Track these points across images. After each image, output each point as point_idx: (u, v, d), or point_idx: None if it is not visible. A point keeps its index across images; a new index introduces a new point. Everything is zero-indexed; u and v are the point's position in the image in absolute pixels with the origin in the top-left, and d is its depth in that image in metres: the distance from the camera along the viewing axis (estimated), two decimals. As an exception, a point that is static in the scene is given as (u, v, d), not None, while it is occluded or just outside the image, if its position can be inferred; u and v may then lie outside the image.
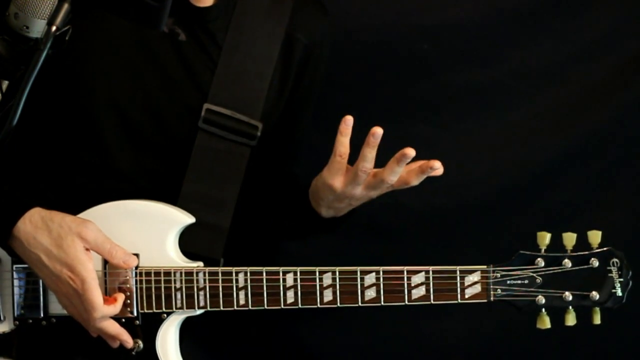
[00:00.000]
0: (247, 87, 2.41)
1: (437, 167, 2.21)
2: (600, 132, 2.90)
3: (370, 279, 2.25)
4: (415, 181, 2.24)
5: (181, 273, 2.28)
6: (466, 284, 2.23)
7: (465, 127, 2.91)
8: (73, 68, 2.32)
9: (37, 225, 2.22)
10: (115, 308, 2.24)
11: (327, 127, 2.84)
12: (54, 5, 1.98)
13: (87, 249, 2.22)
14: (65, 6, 1.97)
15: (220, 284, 2.27)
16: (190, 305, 2.28)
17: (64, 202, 2.29)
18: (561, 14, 2.89)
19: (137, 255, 2.29)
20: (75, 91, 2.35)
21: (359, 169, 2.21)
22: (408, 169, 2.22)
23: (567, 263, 2.22)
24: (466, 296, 2.24)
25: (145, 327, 2.30)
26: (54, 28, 1.96)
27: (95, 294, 2.20)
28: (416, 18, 2.88)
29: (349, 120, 2.22)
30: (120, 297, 2.27)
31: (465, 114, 2.90)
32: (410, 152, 2.18)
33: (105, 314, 2.22)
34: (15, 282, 2.32)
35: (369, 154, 2.20)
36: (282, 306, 2.27)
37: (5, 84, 2.17)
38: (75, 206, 2.29)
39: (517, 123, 2.91)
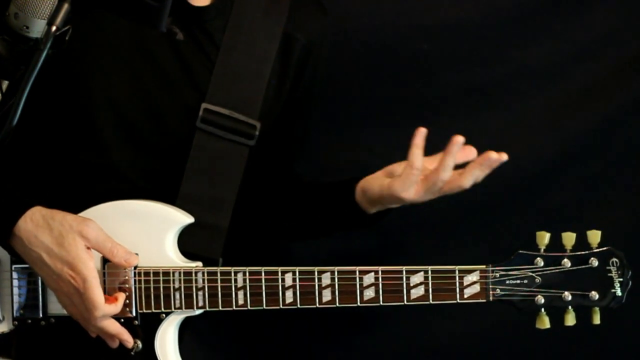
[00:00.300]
0: (245, 86, 2.41)
1: (504, 158, 2.25)
2: (600, 132, 2.89)
3: (369, 278, 2.25)
4: (469, 181, 2.27)
5: (180, 273, 2.28)
6: (465, 283, 2.23)
7: (465, 127, 2.89)
8: (72, 68, 2.32)
9: (38, 224, 2.22)
10: (117, 307, 2.24)
11: (327, 127, 2.86)
12: (54, 5, 1.99)
13: (88, 248, 2.22)
14: (65, 6, 1.98)
15: (219, 284, 2.27)
16: (189, 305, 2.28)
17: (63, 202, 2.29)
18: (561, 14, 2.89)
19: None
20: (74, 91, 2.35)
21: (440, 179, 2.24)
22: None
23: (567, 263, 2.21)
24: (465, 296, 2.23)
25: (144, 327, 2.29)
26: (54, 28, 1.96)
27: (97, 292, 2.20)
28: (416, 18, 2.88)
29: (423, 132, 2.25)
30: (121, 297, 2.26)
31: (465, 114, 2.90)
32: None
33: (106, 313, 2.22)
34: (15, 282, 2.32)
35: (450, 162, 2.23)
36: (281, 306, 2.27)
37: (5, 84, 2.17)
38: (74, 206, 2.29)
39: (517, 123, 2.91)
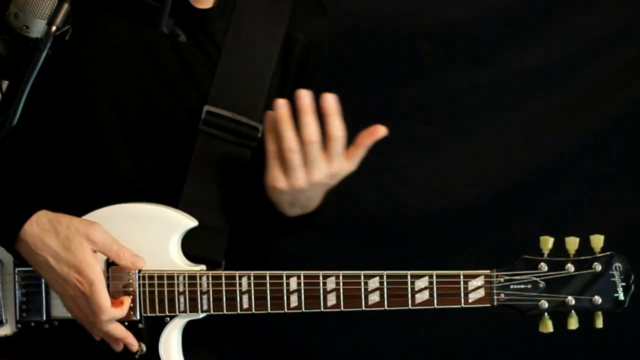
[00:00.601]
0: (248, 88, 2.40)
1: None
2: (600, 132, 2.90)
3: (374, 283, 2.25)
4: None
5: (184, 277, 2.28)
6: (470, 288, 2.23)
7: (465, 127, 2.91)
8: (72, 68, 2.32)
9: (44, 228, 2.22)
10: (122, 311, 2.24)
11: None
12: (54, 5, 1.98)
13: (94, 251, 2.22)
14: (65, 6, 1.97)
15: (223, 288, 2.27)
16: (194, 309, 2.28)
17: (64, 204, 2.28)
18: (561, 14, 2.89)
19: (139, 258, 2.29)
20: (74, 91, 2.34)
21: (285, 149, 2.15)
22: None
23: (570, 267, 2.22)
24: (470, 301, 2.23)
25: (148, 331, 2.29)
26: (54, 28, 1.95)
27: (103, 296, 2.20)
28: (416, 18, 2.88)
29: (269, 118, 2.18)
30: (127, 300, 2.26)
31: (465, 114, 2.91)
32: (304, 92, 2.13)
33: (112, 317, 2.22)
34: (18, 285, 2.32)
35: (284, 128, 2.14)
36: (286, 310, 2.27)
37: (5, 84, 2.16)
38: (75, 208, 2.28)
39: (517, 123, 2.92)
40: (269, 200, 2.30)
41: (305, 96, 2.15)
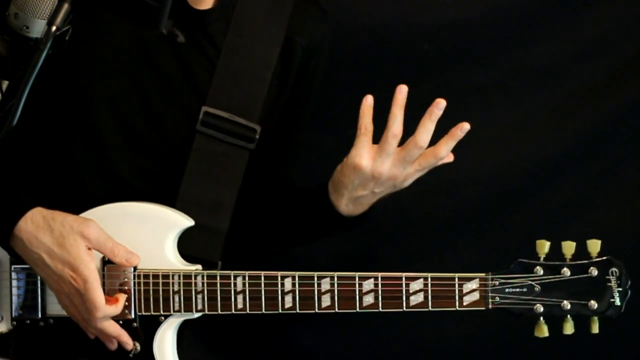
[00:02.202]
0: (246, 90, 2.40)
1: (467, 128, 2.24)
2: (600, 132, 2.89)
3: (368, 285, 2.25)
4: (444, 150, 2.24)
5: (179, 276, 2.28)
6: (464, 291, 2.23)
7: (465, 127, 2.90)
8: (72, 68, 2.32)
9: (38, 225, 2.22)
10: (117, 308, 2.25)
11: (327, 127, 2.86)
12: (54, 5, 1.98)
13: (89, 248, 2.23)
14: (65, 6, 1.96)
15: (218, 288, 2.27)
16: (188, 308, 2.28)
17: (62, 203, 2.29)
18: (561, 14, 2.88)
19: (135, 256, 2.29)
20: (73, 91, 2.35)
21: (389, 134, 2.19)
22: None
23: (566, 272, 2.21)
24: (464, 303, 2.23)
25: (143, 329, 2.30)
26: (54, 28, 1.95)
27: (98, 293, 2.20)
28: (416, 18, 2.87)
29: (369, 100, 2.22)
30: (122, 297, 2.27)
31: (465, 114, 2.88)
32: (442, 102, 2.20)
33: (107, 314, 2.23)
34: (14, 283, 2.33)
35: (398, 113, 2.19)
36: (280, 311, 2.27)
37: (5, 84, 2.16)
38: (72, 207, 2.29)
39: (517, 123, 2.91)
40: (320, 194, 2.33)
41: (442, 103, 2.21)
